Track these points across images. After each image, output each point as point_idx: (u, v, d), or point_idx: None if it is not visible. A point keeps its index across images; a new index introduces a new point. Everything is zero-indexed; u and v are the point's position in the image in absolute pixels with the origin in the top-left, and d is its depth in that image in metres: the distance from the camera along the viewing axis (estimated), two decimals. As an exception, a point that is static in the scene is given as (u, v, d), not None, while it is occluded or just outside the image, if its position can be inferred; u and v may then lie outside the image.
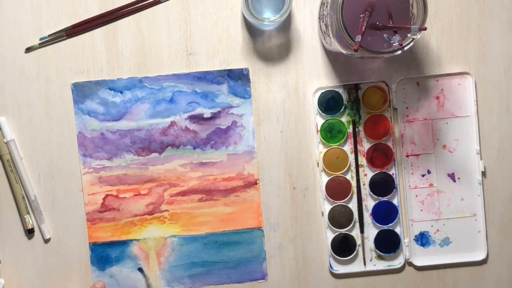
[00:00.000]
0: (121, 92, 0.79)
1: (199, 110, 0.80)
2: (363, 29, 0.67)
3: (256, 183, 0.80)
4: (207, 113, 0.80)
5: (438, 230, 0.81)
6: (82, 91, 0.79)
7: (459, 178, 0.81)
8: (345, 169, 0.80)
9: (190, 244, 0.81)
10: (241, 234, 0.81)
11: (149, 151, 0.80)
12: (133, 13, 0.80)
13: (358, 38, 0.66)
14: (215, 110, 0.80)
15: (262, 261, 0.81)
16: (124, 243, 0.80)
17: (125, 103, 0.80)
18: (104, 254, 0.80)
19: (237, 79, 0.80)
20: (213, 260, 0.81)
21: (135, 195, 0.80)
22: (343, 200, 0.80)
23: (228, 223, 0.81)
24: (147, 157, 0.80)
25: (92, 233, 0.80)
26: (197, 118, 0.80)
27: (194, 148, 0.80)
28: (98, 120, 0.80)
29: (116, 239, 0.80)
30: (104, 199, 0.80)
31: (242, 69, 0.80)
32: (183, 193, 0.80)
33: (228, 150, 0.80)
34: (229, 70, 0.80)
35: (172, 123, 0.80)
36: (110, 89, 0.79)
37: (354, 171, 0.81)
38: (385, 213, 0.81)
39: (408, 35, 0.67)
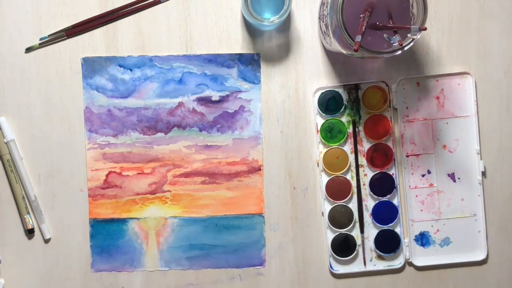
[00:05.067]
0: (131, 70, 0.79)
1: (207, 93, 0.80)
2: (363, 29, 0.67)
3: (260, 169, 0.80)
4: (215, 96, 0.80)
5: (438, 230, 0.81)
6: (91, 66, 0.79)
7: (459, 178, 0.81)
8: (345, 169, 0.80)
9: (190, 226, 0.81)
10: (241, 219, 0.81)
11: (155, 130, 0.80)
12: (133, 13, 0.80)
13: (358, 38, 0.66)
14: (223, 94, 0.80)
15: (261, 247, 0.81)
16: (125, 221, 0.80)
17: (134, 81, 0.80)
18: (104, 231, 0.80)
19: (248, 63, 0.80)
20: (212, 244, 0.81)
21: (138, 173, 0.80)
22: (343, 200, 0.80)
23: (230, 207, 0.81)
24: (152, 137, 0.80)
25: (93, 209, 0.80)
26: (205, 101, 0.80)
27: (200, 130, 0.80)
28: (106, 96, 0.80)
29: (116, 217, 0.80)
30: (107, 175, 0.80)
31: (253, 54, 0.80)
32: (187, 175, 0.80)
33: (234, 135, 0.80)
34: (240, 55, 0.79)
35: (180, 104, 0.80)
36: (120, 65, 0.79)
37: (354, 171, 0.81)
38: (385, 213, 0.80)
39: (408, 35, 0.67)
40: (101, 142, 0.80)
